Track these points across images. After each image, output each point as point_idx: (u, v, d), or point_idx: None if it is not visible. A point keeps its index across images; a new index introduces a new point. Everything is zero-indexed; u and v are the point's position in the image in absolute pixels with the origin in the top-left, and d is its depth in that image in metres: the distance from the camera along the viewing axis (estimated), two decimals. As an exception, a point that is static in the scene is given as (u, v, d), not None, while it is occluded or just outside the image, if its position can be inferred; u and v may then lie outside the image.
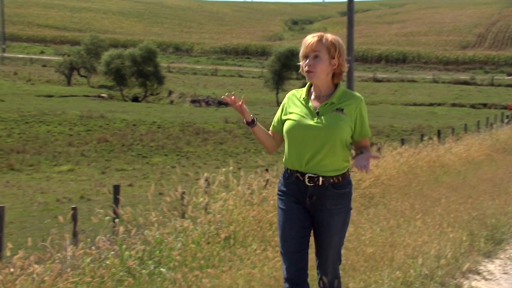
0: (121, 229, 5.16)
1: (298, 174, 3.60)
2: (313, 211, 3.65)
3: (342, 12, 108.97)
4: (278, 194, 3.76)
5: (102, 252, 4.90)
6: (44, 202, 14.53)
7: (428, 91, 51.48)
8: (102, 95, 46.04)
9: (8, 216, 10.20)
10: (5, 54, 67.94)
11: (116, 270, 4.64)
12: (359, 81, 53.41)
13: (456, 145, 13.18)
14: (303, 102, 3.66)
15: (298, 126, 3.58)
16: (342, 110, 3.58)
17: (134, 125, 28.97)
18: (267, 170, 7.75)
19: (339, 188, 3.62)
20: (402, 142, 13.38)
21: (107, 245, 5.07)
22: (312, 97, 3.67)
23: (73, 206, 6.99)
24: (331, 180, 3.58)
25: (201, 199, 5.96)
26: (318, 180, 3.57)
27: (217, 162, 20.56)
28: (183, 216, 5.94)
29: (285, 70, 43.57)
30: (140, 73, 46.40)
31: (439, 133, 16.57)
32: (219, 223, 5.63)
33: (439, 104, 44.56)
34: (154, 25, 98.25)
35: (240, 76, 62.25)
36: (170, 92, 47.99)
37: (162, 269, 4.80)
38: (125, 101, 45.39)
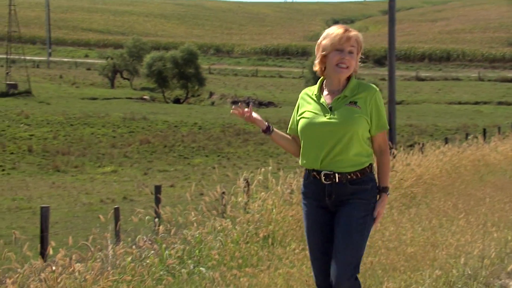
0: (161, 228, 5.21)
1: (315, 173, 3.44)
2: (335, 211, 3.48)
3: (383, 11, 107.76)
4: (302, 197, 3.61)
5: (143, 251, 4.96)
6: (88, 203, 14.79)
7: (473, 90, 50.45)
8: (145, 97, 46.65)
9: (54, 216, 10.43)
10: (51, 58, 69.48)
11: (156, 269, 4.68)
12: (401, 80, 52.73)
13: (502, 144, 12.91)
14: (315, 98, 3.52)
15: (311, 123, 3.44)
16: (355, 103, 3.42)
17: (175, 126, 29.26)
18: (307, 169, 7.71)
19: (358, 184, 3.43)
20: (446, 141, 13.16)
21: (148, 244, 5.11)
22: (325, 93, 3.53)
23: (116, 206, 7.09)
24: (349, 177, 3.41)
25: (240, 199, 5.98)
26: (335, 177, 3.41)
27: (258, 162, 20.57)
28: (222, 215, 5.96)
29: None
30: (182, 75, 46.84)
31: (484, 132, 16.24)
32: (258, 222, 5.63)
33: (485, 103, 43.62)
34: (195, 27, 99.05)
35: (281, 76, 62.20)
36: (211, 94, 48.29)
37: (201, 268, 4.82)
38: (167, 102, 45.90)
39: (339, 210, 3.45)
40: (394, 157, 8.70)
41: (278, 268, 4.70)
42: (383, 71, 52.10)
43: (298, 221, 5.70)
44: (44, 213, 7.36)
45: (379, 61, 69.84)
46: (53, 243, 4.52)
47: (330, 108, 3.44)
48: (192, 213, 5.57)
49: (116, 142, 24.89)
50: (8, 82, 40.04)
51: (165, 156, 22.65)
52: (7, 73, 41.99)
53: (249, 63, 73.29)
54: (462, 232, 5.73)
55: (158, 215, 5.71)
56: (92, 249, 4.69)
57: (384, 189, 3.48)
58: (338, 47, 3.42)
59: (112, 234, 5.98)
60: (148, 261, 4.74)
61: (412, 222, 6.12)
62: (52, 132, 25.23)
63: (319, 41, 3.50)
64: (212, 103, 45.78)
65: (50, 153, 21.42)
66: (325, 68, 3.51)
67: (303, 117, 3.48)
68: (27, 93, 38.85)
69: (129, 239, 5.12)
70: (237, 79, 58.60)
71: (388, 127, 3.49)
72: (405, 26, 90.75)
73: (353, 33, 3.46)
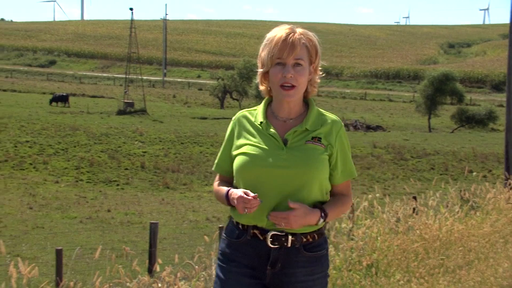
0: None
1: (257, 232, 2.51)
2: (276, 286, 2.55)
3: (503, 35, 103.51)
4: (218, 260, 2.64)
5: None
6: (194, 220, 15.18)
7: None
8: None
9: (162, 232, 10.79)
10: (166, 78, 72.51)
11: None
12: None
13: None
14: (261, 128, 2.56)
15: (255, 163, 2.48)
16: (319, 139, 2.53)
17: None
18: (415, 197, 7.51)
19: (314, 250, 2.55)
20: None
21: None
22: (273, 120, 2.58)
23: (221, 225, 7.24)
24: (304, 239, 2.51)
25: (344, 225, 5.90)
26: (287, 240, 2.49)
27: (363, 187, 20.24)
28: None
29: (438, 94, 42.07)
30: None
31: None
32: (361, 250, 5.52)
33: None
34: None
35: (390, 100, 61.14)
36: (319, 116, 48.25)
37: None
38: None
39: None
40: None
41: (381, 299, 4.58)
42: (501, 97, 49.84)
43: (404, 251, 5.53)
44: (153, 229, 7.65)
45: (497, 87, 67.17)
46: (160, 260, 4.67)
47: (285, 143, 2.52)
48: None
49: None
50: (125, 101, 42.12)
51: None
52: (125, 92, 44.21)
53: (358, 86, 72.75)
54: None
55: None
56: (196, 267, 4.79)
57: (323, 210, 2.51)
58: (279, 60, 2.50)
59: (216, 253, 6.10)
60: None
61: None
62: (164, 149, 26.18)
63: (260, 51, 2.59)
64: (319, 126, 45.67)
65: (161, 170, 22.20)
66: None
67: (243, 153, 2.52)
68: (143, 111, 40.62)
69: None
70: (345, 102, 58.26)
71: (355, 175, 2.62)
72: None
73: (299, 36, 2.51)
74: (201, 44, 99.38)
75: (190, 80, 74.45)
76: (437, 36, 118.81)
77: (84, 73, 79.77)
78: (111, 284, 4.43)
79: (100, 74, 79.90)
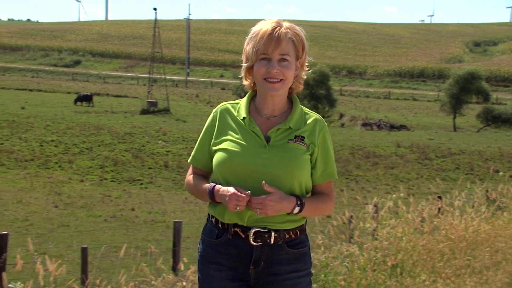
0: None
1: (238, 230, 2.43)
2: (261, 286, 2.47)
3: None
4: (198, 262, 2.55)
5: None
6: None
7: None
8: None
9: (185, 231, 10.83)
10: (189, 78, 72.80)
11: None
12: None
13: None
14: (243, 123, 2.48)
15: (236, 161, 2.40)
16: (302, 139, 2.45)
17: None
18: (440, 197, 7.44)
19: (297, 246, 2.49)
20: None
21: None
22: (256, 116, 2.50)
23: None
24: (287, 236, 2.45)
25: (369, 225, 5.86)
26: (270, 236, 2.41)
27: (387, 187, 20.11)
28: (349, 240, 5.87)
29: (463, 93, 41.62)
30: (312, 96, 47.09)
31: None
32: (386, 250, 5.48)
33: None
34: (328, 48, 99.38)
35: (415, 99, 60.63)
36: (341, 115, 48.05)
37: (326, 293, 4.76)
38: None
39: None
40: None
41: (407, 300, 4.54)
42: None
43: (429, 251, 5.48)
44: (177, 228, 7.68)
45: (524, 85, 66.32)
46: (185, 259, 4.68)
47: (267, 141, 2.44)
48: (319, 236, 5.54)
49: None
50: (149, 100, 42.39)
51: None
52: (149, 91, 44.48)
53: (381, 85, 72.25)
54: None
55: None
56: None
57: (300, 199, 2.43)
58: (264, 55, 2.43)
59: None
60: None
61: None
62: (187, 149, 26.28)
63: (244, 44, 2.53)
64: (342, 125, 45.50)
65: (184, 169, 22.28)
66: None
67: (223, 149, 2.45)
68: (166, 111, 40.84)
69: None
70: (368, 101, 57.90)
71: (336, 176, 2.56)
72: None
73: (285, 30, 2.41)
74: (224, 43, 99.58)
75: (213, 80, 74.66)
76: (463, 35, 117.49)
77: (108, 73, 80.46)
78: (136, 282, 4.46)
79: (124, 74, 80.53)
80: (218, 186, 2.42)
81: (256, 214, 2.37)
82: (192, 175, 2.61)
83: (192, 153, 2.61)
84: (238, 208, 2.34)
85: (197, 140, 2.62)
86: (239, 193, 2.33)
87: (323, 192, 2.56)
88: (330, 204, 2.57)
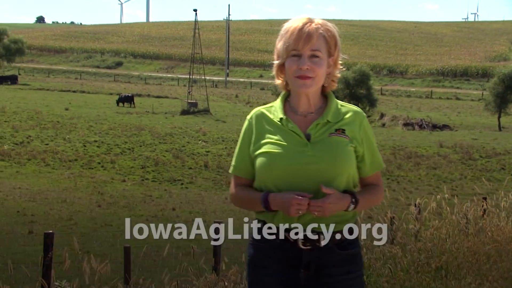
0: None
1: (287, 234, 2.38)
2: None
3: None
4: (248, 266, 2.51)
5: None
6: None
7: None
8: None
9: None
10: (229, 78, 73.14)
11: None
12: None
13: None
14: (280, 124, 2.42)
15: (280, 162, 2.34)
16: (343, 131, 2.41)
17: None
18: (485, 198, 7.27)
19: (348, 248, 2.42)
20: None
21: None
22: (293, 115, 2.44)
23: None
24: (336, 238, 2.39)
25: (411, 226, 5.77)
26: (319, 239, 2.37)
27: (430, 187, 19.82)
28: (392, 242, 5.80)
29: (509, 92, 40.70)
30: (353, 95, 46.73)
31: None
32: (430, 252, 5.38)
33: None
34: (369, 47, 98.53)
35: (458, 98, 59.60)
36: (382, 115, 47.55)
37: (369, 295, 4.71)
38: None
39: None
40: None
41: (452, 303, 4.46)
42: None
43: (475, 254, 5.36)
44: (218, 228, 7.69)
45: None
46: (225, 259, 4.69)
47: (308, 138, 2.39)
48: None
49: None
50: (189, 101, 42.75)
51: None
52: (189, 92, 44.86)
53: (423, 84, 71.26)
54: None
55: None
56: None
57: (354, 196, 2.39)
58: (294, 52, 2.37)
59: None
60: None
61: None
62: (226, 149, 26.40)
63: (276, 42, 2.46)
64: (383, 125, 45.04)
65: (224, 169, 22.39)
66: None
67: (265, 153, 2.38)
68: (206, 111, 41.12)
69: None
70: (409, 101, 57.17)
71: (384, 166, 2.55)
72: None
73: (316, 26, 2.37)
74: (264, 44, 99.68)
75: (252, 80, 74.82)
76: (508, 32, 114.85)
77: (149, 74, 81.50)
78: (178, 282, 4.49)
79: (164, 75, 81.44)
80: (272, 193, 2.36)
81: (313, 216, 2.33)
82: (236, 187, 2.53)
83: (233, 163, 2.52)
84: (300, 212, 2.30)
85: (236, 142, 2.60)
86: (300, 197, 2.28)
87: (373, 183, 2.52)
88: (381, 195, 2.55)
